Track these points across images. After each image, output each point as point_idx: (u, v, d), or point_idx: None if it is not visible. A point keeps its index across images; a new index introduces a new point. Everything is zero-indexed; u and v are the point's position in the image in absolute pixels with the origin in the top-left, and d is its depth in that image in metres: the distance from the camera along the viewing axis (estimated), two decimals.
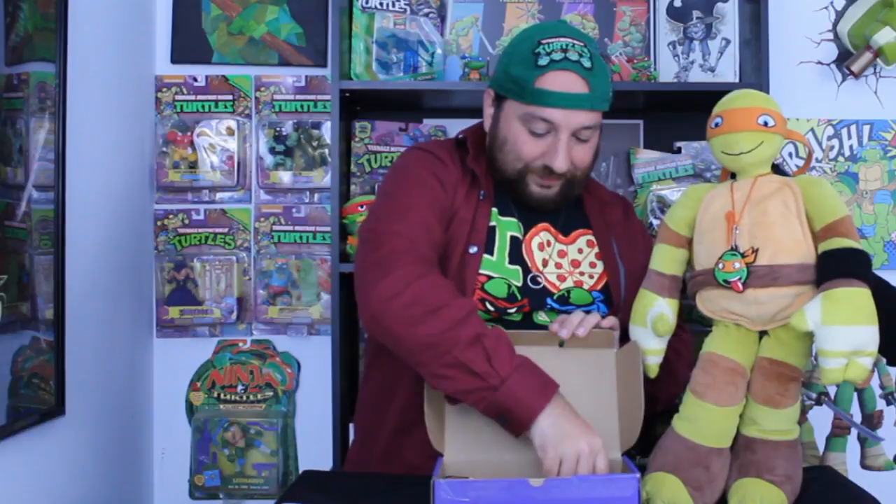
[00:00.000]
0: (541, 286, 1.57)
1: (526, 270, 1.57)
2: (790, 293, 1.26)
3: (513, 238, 1.59)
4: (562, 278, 1.59)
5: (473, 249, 1.54)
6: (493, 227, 1.59)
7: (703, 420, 1.30)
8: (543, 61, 1.52)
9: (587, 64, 1.53)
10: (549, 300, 1.57)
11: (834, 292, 1.20)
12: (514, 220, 1.61)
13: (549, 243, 1.61)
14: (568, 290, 1.58)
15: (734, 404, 1.30)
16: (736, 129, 1.36)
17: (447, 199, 1.56)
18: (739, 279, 1.30)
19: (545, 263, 1.59)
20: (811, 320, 1.20)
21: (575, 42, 1.54)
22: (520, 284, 1.56)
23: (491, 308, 1.54)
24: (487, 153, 1.63)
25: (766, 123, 1.36)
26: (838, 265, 1.23)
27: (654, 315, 1.40)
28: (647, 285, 1.43)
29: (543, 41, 1.53)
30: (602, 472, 1.24)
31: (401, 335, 1.36)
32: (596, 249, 1.63)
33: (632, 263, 1.62)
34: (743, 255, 1.30)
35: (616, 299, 1.59)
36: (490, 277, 1.54)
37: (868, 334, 1.18)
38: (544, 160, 1.54)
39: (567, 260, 1.61)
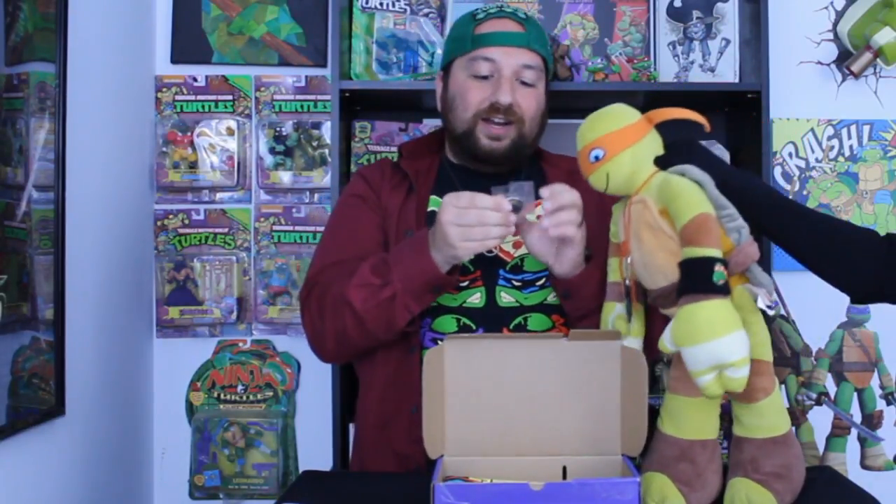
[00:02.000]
0: (493, 255, 1.63)
1: None
2: None
3: None
4: (517, 245, 1.64)
5: (408, 234, 1.63)
6: (436, 212, 1.63)
7: (679, 414, 1.30)
8: (481, 16, 1.70)
9: (521, 15, 1.71)
10: (501, 271, 1.63)
11: (677, 312, 1.20)
12: None
13: None
14: (521, 258, 1.64)
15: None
16: (586, 176, 1.37)
17: (374, 201, 1.69)
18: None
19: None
20: (668, 344, 1.21)
21: (510, 6, 1.77)
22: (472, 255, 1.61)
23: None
24: (445, 128, 1.75)
25: (597, 158, 1.34)
26: (681, 281, 1.22)
27: (613, 317, 1.42)
28: (606, 298, 1.45)
29: (480, 8, 1.73)
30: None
31: (334, 339, 1.57)
32: None
33: (599, 238, 1.63)
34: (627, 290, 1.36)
35: None
36: None
37: (717, 348, 1.15)
38: (490, 100, 1.64)
39: None
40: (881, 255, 1.32)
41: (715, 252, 1.20)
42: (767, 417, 1.28)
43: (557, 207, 1.43)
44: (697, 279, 1.19)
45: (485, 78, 1.66)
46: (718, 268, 1.18)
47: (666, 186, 1.28)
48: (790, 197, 2.26)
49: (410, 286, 1.48)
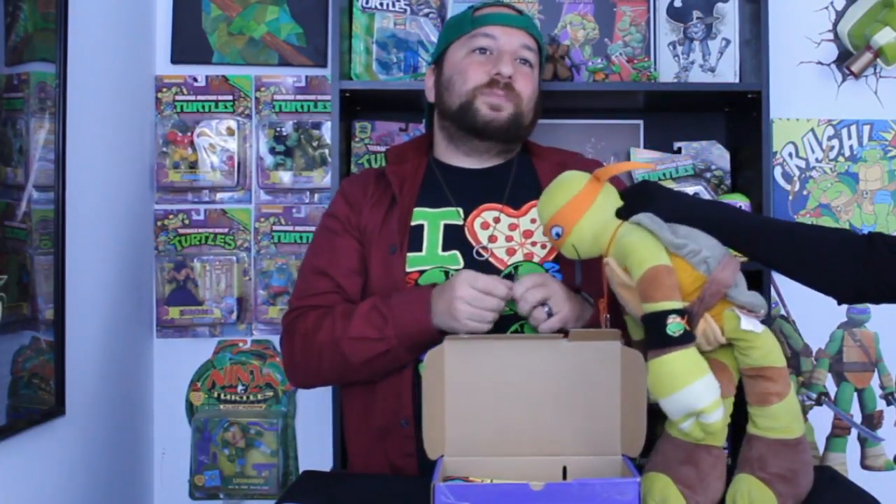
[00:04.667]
0: (484, 259, 1.62)
1: (467, 252, 1.63)
2: None
3: (450, 226, 1.66)
4: (511, 252, 1.64)
5: (392, 250, 1.63)
6: (420, 225, 1.66)
7: None
8: (478, 5, 1.74)
9: (518, 8, 1.77)
10: None
11: (648, 368, 1.23)
12: (451, 209, 1.67)
13: (496, 220, 1.66)
14: (515, 266, 1.62)
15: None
16: (556, 249, 1.42)
17: (353, 222, 1.69)
18: None
19: (493, 240, 1.64)
20: (650, 396, 1.26)
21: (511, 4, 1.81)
22: (460, 266, 1.62)
23: None
24: (437, 114, 1.75)
25: (558, 235, 1.39)
26: (645, 338, 1.25)
27: None
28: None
29: (477, 2, 1.78)
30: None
31: (315, 377, 1.66)
32: None
33: None
34: None
35: (568, 267, 1.62)
36: (423, 271, 1.61)
37: (684, 398, 1.19)
38: (490, 73, 1.65)
39: (518, 232, 1.66)
40: (859, 255, 1.32)
41: (667, 304, 1.23)
42: (781, 420, 1.28)
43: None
44: (655, 334, 1.22)
45: (483, 53, 1.68)
46: (672, 319, 1.21)
47: (619, 246, 1.32)
48: (790, 198, 2.26)
49: (405, 343, 1.52)
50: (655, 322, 1.22)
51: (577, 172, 1.42)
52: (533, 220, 1.67)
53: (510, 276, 1.62)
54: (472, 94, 1.66)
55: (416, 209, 1.68)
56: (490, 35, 1.67)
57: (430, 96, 1.77)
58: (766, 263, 1.44)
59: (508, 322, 1.60)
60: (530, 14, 2.16)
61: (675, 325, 1.21)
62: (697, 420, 1.21)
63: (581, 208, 1.36)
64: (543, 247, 1.64)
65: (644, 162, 1.38)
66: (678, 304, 1.23)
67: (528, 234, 1.65)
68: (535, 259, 1.63)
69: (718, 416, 1.21)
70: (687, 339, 1.21)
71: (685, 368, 1.20)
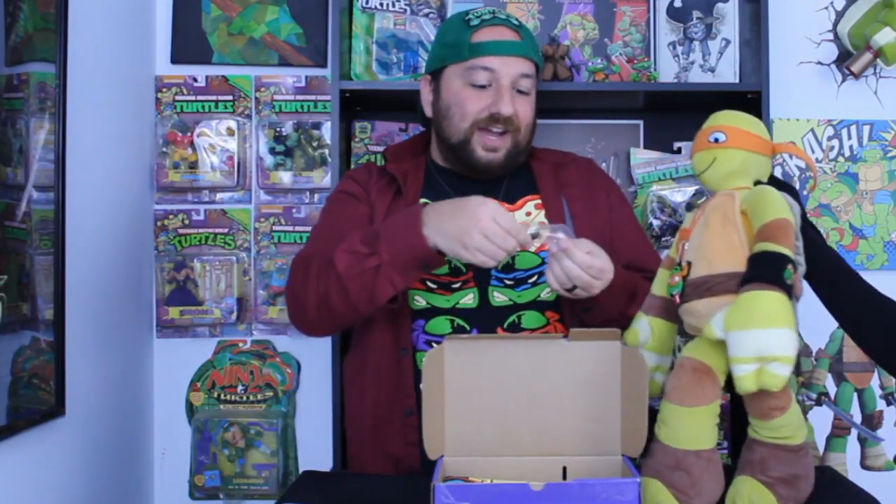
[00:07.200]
0: None
1: None
2: (725, 302, 1.24)
3: None
4: None
5: None
6: None
7: (673, 422, 1.29)
8: (475, 22, 1.66)
9: (515, 22, 1.69)
10: (493, 271, 1.62)
11: (738, 298, 1.20)
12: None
13: None
14: (513, 257, 1.62)
15: (702, 405, 1.28)
16: (694, 152, 1.40)
17: (364, 197, 1.69)
18: (677, 293, 1.32)
19: None
20: (716, 328, 1.22)
21: (501, 10, 1.71)
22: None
23: (433, 286, 1.62)
24: (435, 132, 1.73)
25: (716, 140, 1.36)
26: (750, 270, 1.22)
27: (630, 329, 1.44)
28: (642, 307, 1.47)
29: (471, 11, 1.70)
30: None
31: (316, 304, 1.54)
32: (544, 211, 1.68)
33: (588, 225, 1.66)
34: (680, 269, 1.33)
35: None
36: None
37: (770, 337, 1.15)
38: (489, 110, 1.62)
39: None
40: None
41: (790, 253, 1.22)
42: (783, 431, 1.27)
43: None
44: (769, 271, 1.20)
45: (482, 87, 1.64)
46: (790, 267, 1.20)
47: (759, 191, 1.31)
48: None
49: (397, 259, 1.46)
50: (775, 261, 1.20)
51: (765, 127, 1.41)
52: (528, 213, 1.68)
53: (509, 266, 1.63)
54: (470, 130, 1.64)
55: (423, 200, 1.68)
56: (488, 68, 1.63)
57: (427, 111, 1.75)
58: (842, 319, 1.43)
59: (506, 313, 1.61)
60: (530, 13, 2.17)
61: (790, 273, 1.20)
62: (763, 368, 1.16)
63: (752, 145, 1.36)
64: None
65: (807, 156, 1.40)
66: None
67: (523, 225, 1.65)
68: (531, 249, 1.63)
69: (788, 372, 1.16)
70: (791, 294, 1.20)
71: (786, 312, 1.16)
